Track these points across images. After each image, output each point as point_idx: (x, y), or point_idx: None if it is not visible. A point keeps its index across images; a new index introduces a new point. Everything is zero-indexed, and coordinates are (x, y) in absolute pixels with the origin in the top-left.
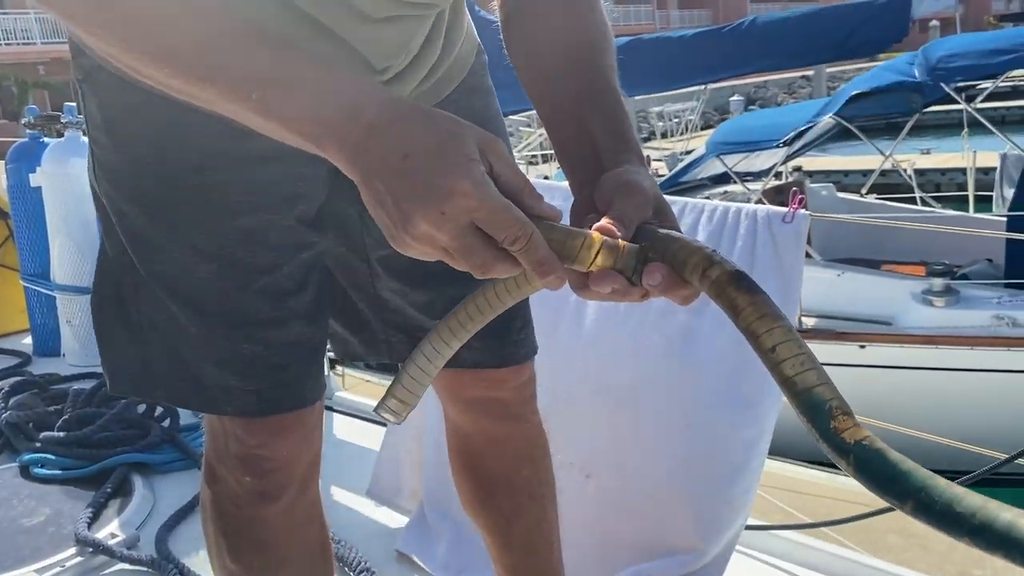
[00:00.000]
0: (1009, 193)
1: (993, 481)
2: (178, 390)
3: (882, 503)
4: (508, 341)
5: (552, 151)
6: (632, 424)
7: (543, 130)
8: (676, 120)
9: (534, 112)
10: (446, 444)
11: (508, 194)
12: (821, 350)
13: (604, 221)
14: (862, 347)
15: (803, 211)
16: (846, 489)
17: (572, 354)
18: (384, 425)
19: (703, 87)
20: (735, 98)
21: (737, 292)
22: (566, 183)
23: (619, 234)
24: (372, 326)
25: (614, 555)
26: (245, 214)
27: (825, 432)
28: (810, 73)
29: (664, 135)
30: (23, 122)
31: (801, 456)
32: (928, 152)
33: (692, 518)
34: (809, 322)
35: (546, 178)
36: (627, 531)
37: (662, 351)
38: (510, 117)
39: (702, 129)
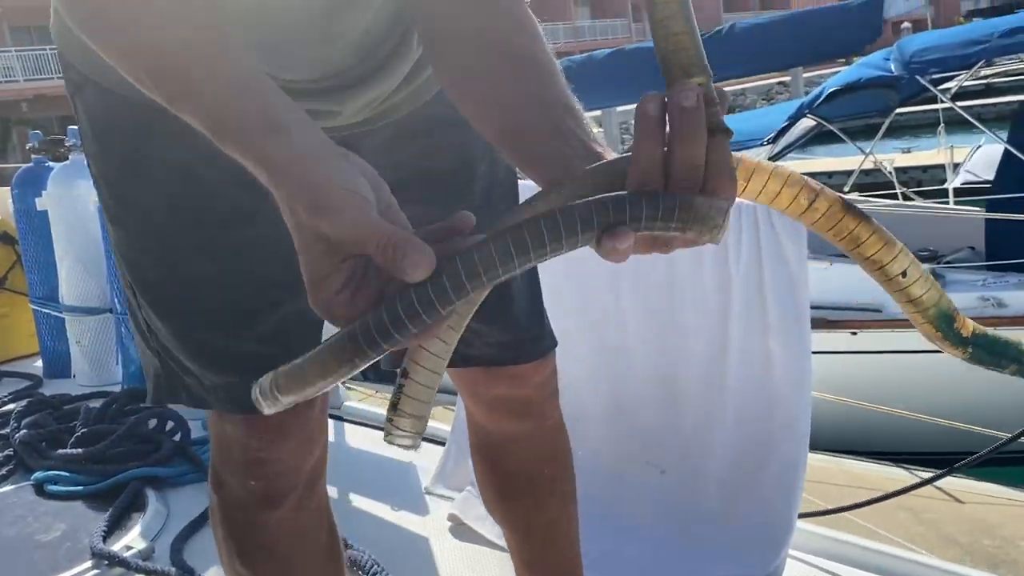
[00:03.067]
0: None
1: (997, 461)
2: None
3: (892, 488)
4: (526, 337)
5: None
6: (692, 422)
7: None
8: None
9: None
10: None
11: None
12: (814, 338)
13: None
14: (854, 334)
15: None
16: (853, 474)
17: (633, 356)
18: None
19: None
20: None
21: (855, 221)
22: None
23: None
24: None
25: (691, 553)
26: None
27: (953, 333)
28: (787, 79)
29: None
30: (28, 147)
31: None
32: (908, 151)
33: (756, 515)
34: None
35: None
36: (702, 527)
37: (706, 354)
38: None
39: None
